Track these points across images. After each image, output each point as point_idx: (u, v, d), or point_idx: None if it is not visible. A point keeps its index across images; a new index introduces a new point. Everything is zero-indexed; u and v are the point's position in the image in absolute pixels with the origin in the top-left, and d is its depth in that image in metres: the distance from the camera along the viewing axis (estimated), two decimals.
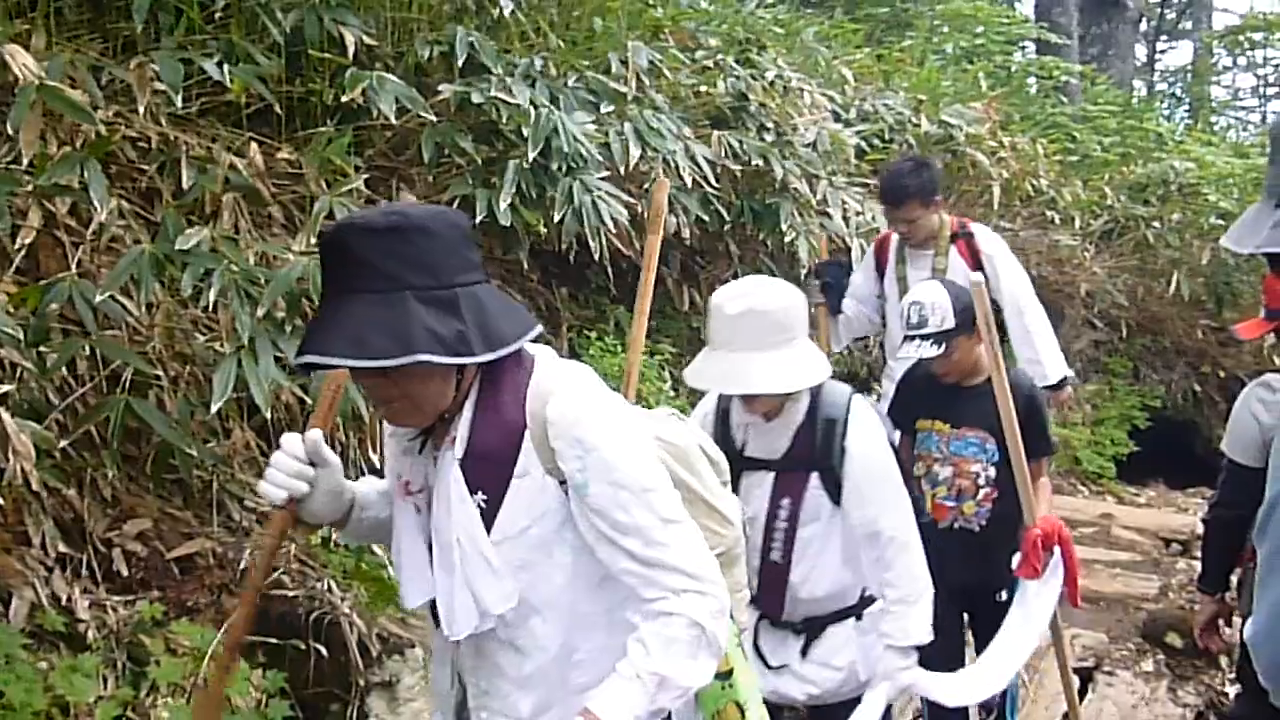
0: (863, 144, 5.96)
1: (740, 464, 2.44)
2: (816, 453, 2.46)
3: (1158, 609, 4.76)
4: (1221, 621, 2.95)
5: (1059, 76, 10.75)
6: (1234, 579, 2.87)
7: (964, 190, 7.19)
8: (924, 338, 2.98)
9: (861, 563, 2.53)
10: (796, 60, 5.93)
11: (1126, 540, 5.97)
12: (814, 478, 2.47)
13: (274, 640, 2.86)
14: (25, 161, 2.78)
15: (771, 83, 5.18)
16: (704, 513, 1.72)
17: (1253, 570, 2.31)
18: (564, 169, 3.77)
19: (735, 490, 2.25)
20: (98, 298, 2.71)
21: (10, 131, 2.73)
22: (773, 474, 2.51)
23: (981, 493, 3.11)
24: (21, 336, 2.54)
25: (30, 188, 2.80)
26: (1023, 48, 12.97)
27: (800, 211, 4.97)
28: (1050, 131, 9.16)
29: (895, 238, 4.09)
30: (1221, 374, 8.48)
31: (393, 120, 3.44)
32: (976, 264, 3.91)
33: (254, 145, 3.33)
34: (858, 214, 5.30)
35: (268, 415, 2.88)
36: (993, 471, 3.07)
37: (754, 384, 2.29)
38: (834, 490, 2.47)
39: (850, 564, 2.56)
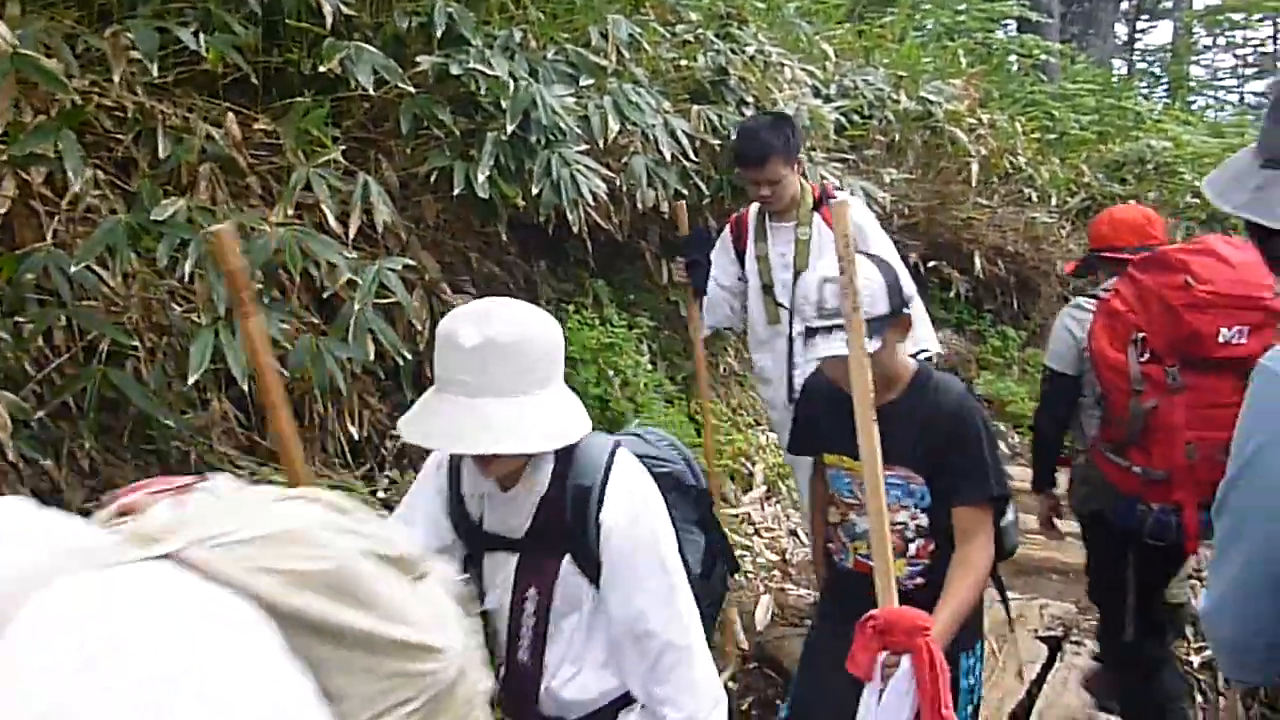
0: (842, 119, 5.97)
1: (480, 541, 1.93)
2: (567, 529, 1.84)
3: None
4: (1054, 516, 3.63)
5: (1039, 55, 10.79)
6: (1062, 479, 3.51)
7: (942, 167, 7.23)
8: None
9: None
10: (777, 35, 5.93)
11: None
12: (566, 560, 1.86)
13: None
14: (0, 130, 2.76)
15: (752, 57, 5.19)
16: (390, 654, 0.98)
17: (1084, 470, 3.25)
18: (543, 142, 3.77)
19: (479, 574, 1.92)
20: (73, 268, 2.70)
21: None
22: (516, 556, 1.91)
23: (912, 547, 2.41)
24: (2, 306, 2.53)
25: (4, 157, 2.79)
26: (1004, 25, 12.99)
27: None
28: (1029, 109, 9.22)
29: (754, 210, 3.73)
30: None
31: (370, 91, 3.42)
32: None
33: (231, 115, 3.31)
34: (837, 189, 5.32)
35: (245, 387, 2.88)
36: (925, 519, 2.38)
37: (488, 442, 1.65)
38: (594, 574, 1.86)
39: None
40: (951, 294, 8.05)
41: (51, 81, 2.77)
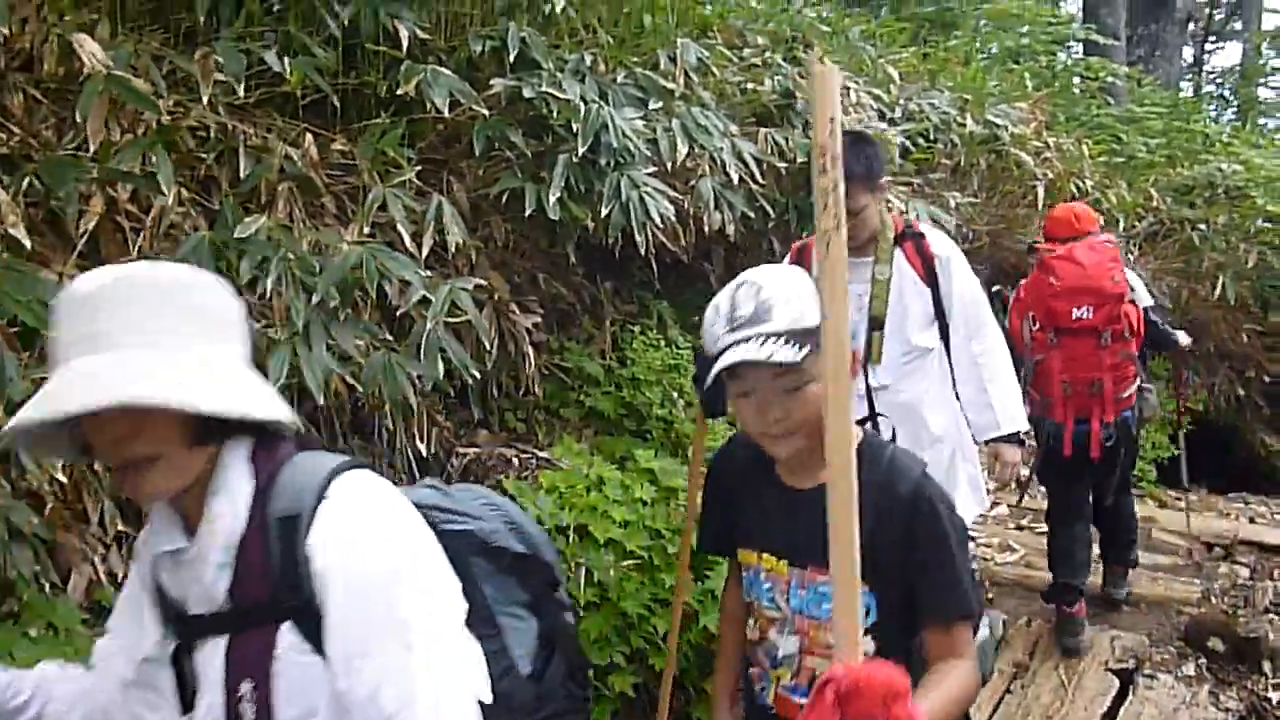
0: (907, 143, 5.94)
1: (187, 628, 1.33)
2: (277, 582, 1.25)
3: (1199, 613, 4.72)
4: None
5: (1105, 77, 10.64)
6: None
7: (1007, 191, 7.14)
8: (764, 338, 1.64)
9: None
10: (842, 59, 5.92)
11: (1168, 544, 5.92)
12: (286, 630, 1.26)
13: None
14: (91, 149, 2.84)
15: None
16: None
17: None
18: (612, 164, 3.80)
19: (191, 674, 1.30)
20: None
21: (78, 119, 2.79)
22: (224, 639, 1.29)
23: None
24: None
25: (94, 174, 2.87)
26: (1068, 48, 12.85)
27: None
28: (1096, 132, 9.09)
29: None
30: (1266, 379, 8.38)
31: (445, 113, 3.48)
32: (929, 273, 3.20)
33: (309, 136, 3.39)
34: (901, 213, 5.29)
35: (320, 401, 2.93)
36: (869, 642, 1.71)
37: (47, 405, 1.15)
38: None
39: None
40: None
41: (142, 102, 2.86)
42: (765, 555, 1.87)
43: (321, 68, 3.41)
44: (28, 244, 2.48)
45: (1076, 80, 10.91)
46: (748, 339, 1.64)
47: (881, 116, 5.85)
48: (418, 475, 3.65)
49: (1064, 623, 4.38)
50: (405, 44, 3.49)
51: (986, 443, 3.34)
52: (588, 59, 4.02)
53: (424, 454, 3.58)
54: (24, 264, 2.55)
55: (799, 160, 4.76)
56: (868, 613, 1.74)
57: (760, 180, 4.57)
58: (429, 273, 3.37)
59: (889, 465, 1.75)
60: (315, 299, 3.00)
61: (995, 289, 7.41)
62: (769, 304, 1.66)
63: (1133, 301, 4.26)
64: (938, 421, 3.27)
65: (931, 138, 6.34)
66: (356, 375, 3.13)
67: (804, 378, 1.65)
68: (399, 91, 3.44)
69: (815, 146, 1.26)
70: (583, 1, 4.33)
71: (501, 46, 3.73)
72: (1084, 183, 7.70)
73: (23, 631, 2.40)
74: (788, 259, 3.38)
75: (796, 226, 4.98)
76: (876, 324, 3.18)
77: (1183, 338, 4.96)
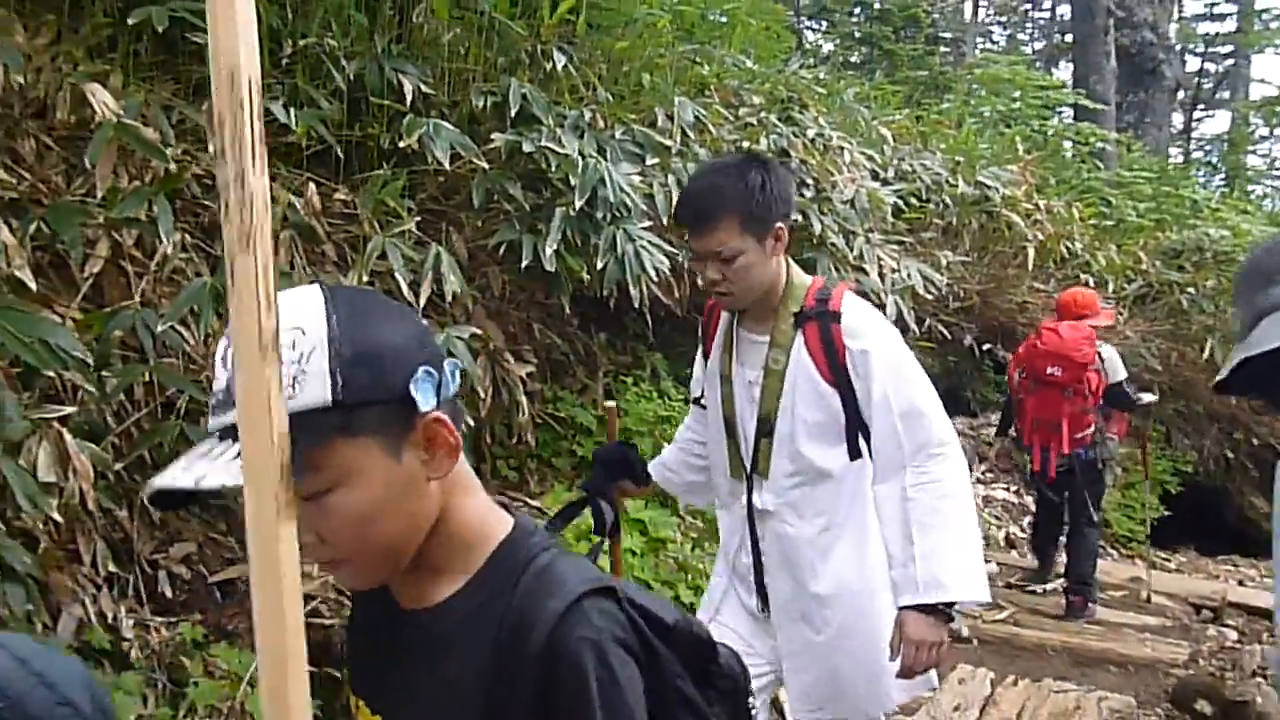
0: (900, 203, 6.04)
1: None
2: None
3: (1187, 675, 4.72)
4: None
5: (1095, 142, 10.83)
6: None
7: (998, 251, 7.25)
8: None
9: None
10: (837, 119, 6.05)
11: (1157, 606, 5.93)
12: None
13: (310, 668, 2.92)
14: (99, 195, 2.90)
15: (812, 140, 5.30)
16: None
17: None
18: (608, 218, 3.87)
19: None
20: (160, 327, 2.82)
21: (88, 165, 2.85)
22: None
23: None
24: (90, 361, 2.64)
25: (101, 219, 2.93)
26: (1059, 113, 13.08)
27: (837, 266, 5.04)
28: (1085, 196, 9.24)
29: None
30: (1255, 441, 8.44)
31: (445, 165, 3.55)
32: (836, 371, 2.18)
33: (312, 186, 3.46)
34: (894, 271, 5.37)
35: None
36: None
37: None
38: None
39: None
40: (1005, 377, 8.01)
41: (151, 150, 2.92)
42: (363, 706, 1.16)
43: (326, 119, 3.49)
44: (33, 285, 2.52)
45: (1067, 145, 11.10)
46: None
47: (875, 176, 5.96)
48: None
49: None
50: (409, 98, 3.58)
51: (900, 609, 2.12)
52: (587, 115, 4.11)
53: None
54: (28, 305, 2.60)
55: (792, 217, 4.84)
56: None
57: None
58: (425, 321, 3.42)
59: (524, 596, 1.01)
60: None
61: (987, 347, 7.50)
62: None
63: (1098, 371, 5.45)
64: (829, 575, 2.25)
65: (924, 197, 6.45)
66: None
67: (326, 479, 0.96)
68: (401, 144, 3.52)
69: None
70: (583, 60, 4.44)
71: (502, 102, 3.82)
72: (1074, 244, 7.83)
73: None
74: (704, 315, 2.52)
75: None
76: (764, 427, 2.25)
77: (1146, 397, 6.12)
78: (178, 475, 0.89)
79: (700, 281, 2.28)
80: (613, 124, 4.31)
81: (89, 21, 3.36)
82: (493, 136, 3.77)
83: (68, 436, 2.53)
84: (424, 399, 0.97)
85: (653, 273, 3.95)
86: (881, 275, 5.25)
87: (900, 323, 5.36)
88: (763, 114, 5.20)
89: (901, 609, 2.11)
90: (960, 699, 4.05)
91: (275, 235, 3.30)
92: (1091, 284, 7.84)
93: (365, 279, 3.34)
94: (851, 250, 5.19)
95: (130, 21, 3.20)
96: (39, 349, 2.45)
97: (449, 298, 3.53)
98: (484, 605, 1.02)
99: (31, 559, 2.52)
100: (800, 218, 4.88)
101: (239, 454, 0.78)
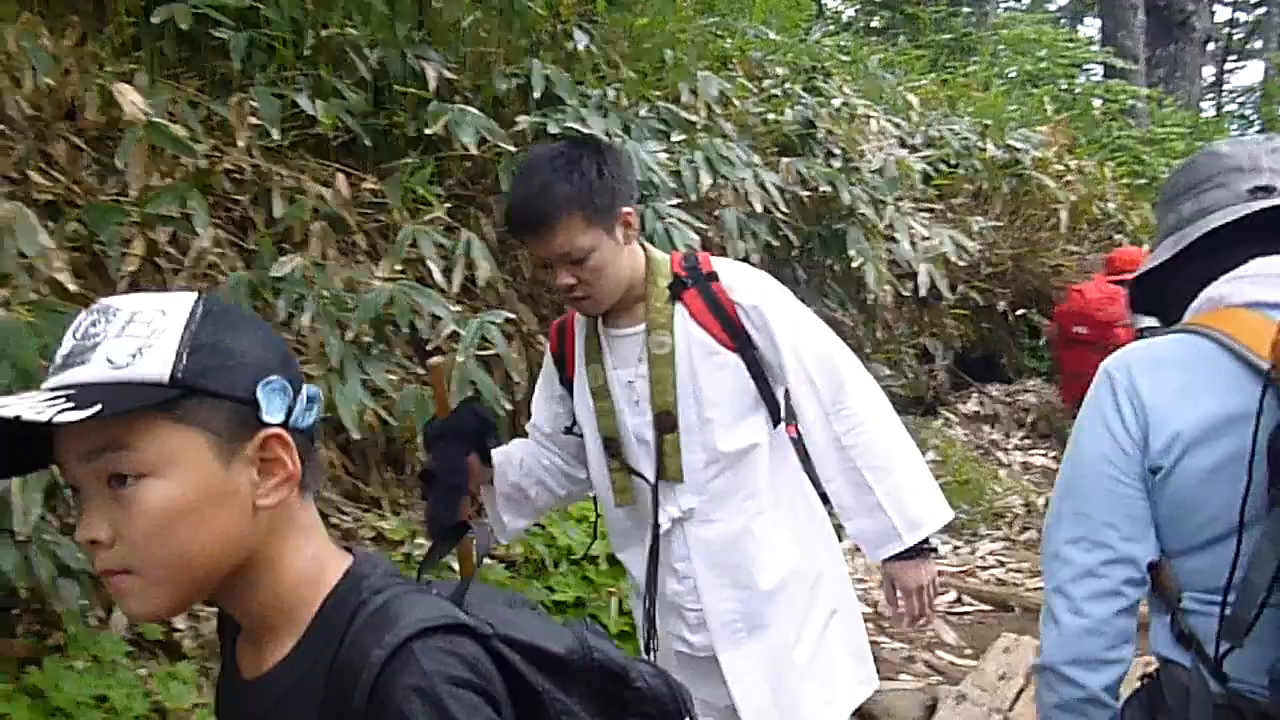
0: (929, 169, 5.98)
1: None
2: None
3: None
4: None
5: (1125, 99, 10.66)
6: None
7: (1029, 214, 7.16)
8: (55, 395, 0.84)
9: None
10: (862, 87, 5.99)
11: None
12: None
13: None
14: (132, 193, 2.93)
15: (838, 110, 5.25)
16: None
17: None
18: (637, 196, 3.85)
19: None
20: None
21: (119, 165, 2.87)
22: None
23: None
24: None
25: (135, 218, 2.95)
26: (1087, 71, 12.88)
27: (868, 237, 5.00)
28: (1117, 154, 9.10)
29: (579, 316, 2.10)
30: None
31: (472, 151, 3.55)
32: (732, 331, 1.99)
33: (340, 176, 3.47)
34: (924, 239, 5.32)
35: (356, 435, 2.98)
36: None
37: None
38: None
39: None
40: (1041, 342, 7.93)
41: (180, 148, 2.94)
42: None
43: (352, 109, 3.49)
44: (72, 287, 2.55)
45: (1096, 103, 10.93)
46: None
47: (903, 143, 5.90)
48: None
49: None
50: (433, 85, 3.57)
51: (883, 563, 2.01)
52: (611, 94, 4.09)
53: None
54: (66, 305, 2.63)
55: (821, 189, 4.80)
56: None
57: (783, 209, 4.62)
58: (458, 307, 3.43)
59: (350, 650, 0.89)
60: (349, 335, 3.06)
61: (1020, 312, 7.42)
62: (93, 336, 0.89)
63: (1126, 327, 5.34)
64: (775, 565, 2.03)
65: (953, 163, 6.38)
66: (389, 408, 3.18)
67: (138, 461, 0.86)
68: (427, 131, 3.52)
69: None
70: (604, 38, 4.42)
71: (526, 84, 3.81)
72: (1106, 205, 7.71)
73: (68, 664, 2.45)
74: (548, 345, 2.22)
75: (820, 254, 5.03)
76: (666, 423, 1.99)
77: None
78: None
79: (553, 288, 2.05)
80: (637, 101, 4.29)
81: (113, 22, 3.38)
82: (518, 119, 3.77)
83: None
84: (268, 407, 0.89)
85: (683, 250, 3.93)
86: (913, 244, 5.20)
87: (933, 290, 5.32)
88: (787, 85, 5.16)
89: (886, 562, 1.98)
90: (1005, 667, 4.03)
91: (306, 227, 3.33)
92: (1126, 244, 7.74)
93: (397, 268, 3.35)
94: (881, 220, 5.14)
95: (154, 20, 3.22)
96: None
97: (481, 283, 3.53)
98: (312, 667, 0.90)
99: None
100: (829, 189, 4.84)
101: (48, 395, 0.82)
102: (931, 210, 5.76)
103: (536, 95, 3.78)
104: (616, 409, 2.03)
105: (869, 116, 5.52)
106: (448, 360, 2.32)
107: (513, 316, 3.61)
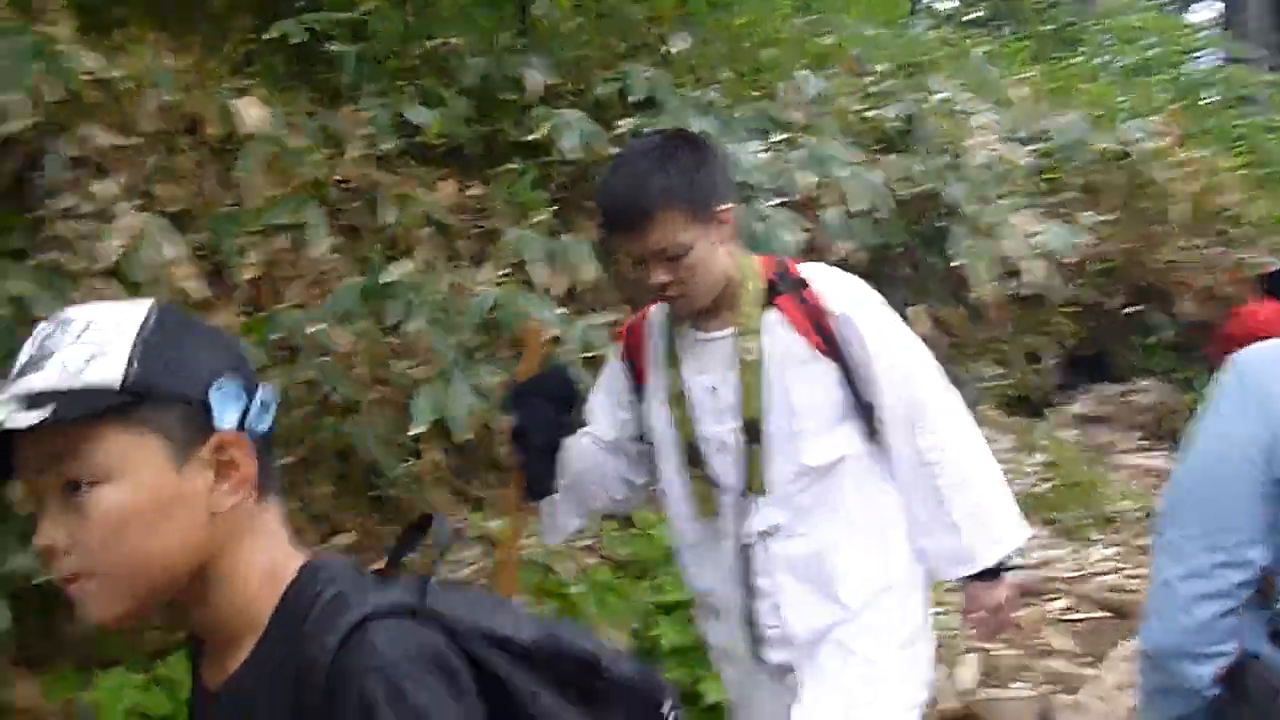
0: (1036, 163, 5.82)
1: None
2: None
3: None
4: None
5: (1246, 87, 10.22)
6: None
7: (1143, 208, 6.90)
8: (8, 401, 0.87)
9: None
10: (965, 81, 5.86)
11: None
12: None
13: None
14: (251, 203, 3.04)
15: (940, 105, 5.14)
16: None
17: None
18: (737, 198, 3.84)
19: None
20: (313, 328, 2.93)
21: (239, 177, 2.98)
22: None
23: None
24: (263, 363, 2.78)
25: (254, 227, 3.06)
26: (1196, 58, 12.38)
27: (972, 234, 4.89)
28: (1237, 144, 8.71)
29: (657, 312, 2.01)
30: None
31: (574, 156, 3.58)
32: (827, 340, 1.91)
33: (447, 183, 3.54)
34: (1031, 235, 5.17)
35: (466, 438, 3.04)
36: None
37: None
38: None
39: None
40: (1154, 340, 7.64)
41: (297, 159, 3.04)
42: None
43: (456, 117, 3.56)
44: (203, 295, 2.65)
45: (1213, 91, 10.49)
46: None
47: (1008, 138, 5.75)
48: None
49: None
50: (535, 91, 3.62)
51: (965, 581, 1.97)
52: (710, 95, 4.09)
53: None
54: (194, 313, 2.74)
55: (923, 186, 4.72)
56: None
57: (885, 208, 4.55)
58: (562, 310, 3.46)
59: (307, 642, 0.87)
60: (457, 339, 3.12)
61: (1133, 309, 7.17)
62: (49, 347, 0.91)
63: None
64: (863, 582, 1.94)
65: (1061, 157, 6.19)
66: (495, 411, 3.23)
67: (92, 468, 0.88)
68: (531, 137, 3.57)
69: None
70: (702, 40, 4.42)
71: (626, 88, 3.83)
72: (1225, 198, 7.39)
73: None
74: (617, 347, 2.10)
75: (922, 253, 4.94)
76: (752, 433, 1.91)
77: None
78: None
79: (644, 286, 1.90)
80: (736, 102, 4.28)
81: (230, 39, 3.51)
82: (618, 122, 3.79)
83: None
84: (221, 409, 0.90)
85: (782, 251, 3.90)
86: (1020, 240, 5.06)
87: (1041, 288, 5.17)
88: (888, 81, 5.08)
89: (966, 581, 1.93)
90: (1124, 677, 3.89)
91: (414, 234, 3.41)
92: (1246, 238, 7.41)
93: (502, 272, 3.41)
94: (986, 216, 5.02)
95: (268, 36, 3.34)
96: None
97: (584, 286, 3.56)
98: (273, 665, 0.89)
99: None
100: (931, 186, 4.75)
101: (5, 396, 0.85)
102: (1039, 206, 5.59)
103: (637, 99, 3.79)
104: (696, 416, 1.94)
105: (973, 111, 5.39)
106: (535, 326, 2.26)
107: (616, 319, 3.63)
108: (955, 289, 5.07)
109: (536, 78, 3.66)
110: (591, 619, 3.10)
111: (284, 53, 3.53)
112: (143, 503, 0.87)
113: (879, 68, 5.24)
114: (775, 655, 1.95)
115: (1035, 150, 5.88)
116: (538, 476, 1.98)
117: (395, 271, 3.12)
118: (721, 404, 1.91)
